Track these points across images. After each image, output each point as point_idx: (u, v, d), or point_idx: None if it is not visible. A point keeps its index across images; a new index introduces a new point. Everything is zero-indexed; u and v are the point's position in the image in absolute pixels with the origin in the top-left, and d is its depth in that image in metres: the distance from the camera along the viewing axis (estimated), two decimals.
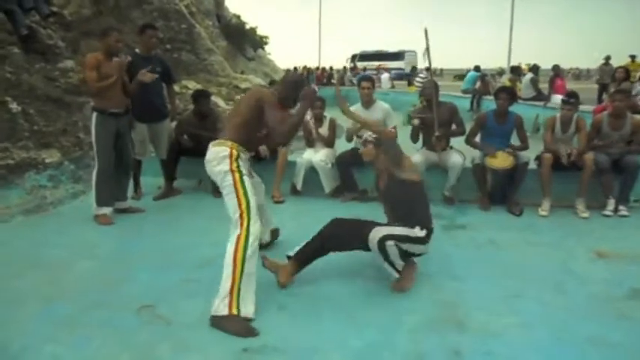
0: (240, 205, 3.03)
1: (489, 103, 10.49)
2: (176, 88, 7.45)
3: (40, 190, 5.34)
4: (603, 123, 5.25)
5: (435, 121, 5.09)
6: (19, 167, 5.37)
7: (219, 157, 3.16)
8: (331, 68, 27.19)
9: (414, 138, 5.45)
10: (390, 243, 3.12)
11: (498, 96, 5.25)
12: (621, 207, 5.02)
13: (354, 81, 21.78)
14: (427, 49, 5.12)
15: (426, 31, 5.03)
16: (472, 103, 14.27)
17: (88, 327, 2.84)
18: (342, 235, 3.34)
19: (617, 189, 5.07)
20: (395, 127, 5.37)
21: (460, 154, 5.27)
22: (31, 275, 3.53)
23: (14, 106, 5.96)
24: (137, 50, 5.36)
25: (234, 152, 3.16)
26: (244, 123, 3.30)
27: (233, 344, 2.68)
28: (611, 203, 5.02)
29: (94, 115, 4.59)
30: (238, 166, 3.14)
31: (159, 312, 3.02)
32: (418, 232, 3.27)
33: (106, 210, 4.70)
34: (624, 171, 5.03)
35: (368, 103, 5.45)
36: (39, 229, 4.56)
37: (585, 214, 4.94)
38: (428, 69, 6.00)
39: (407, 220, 3.31)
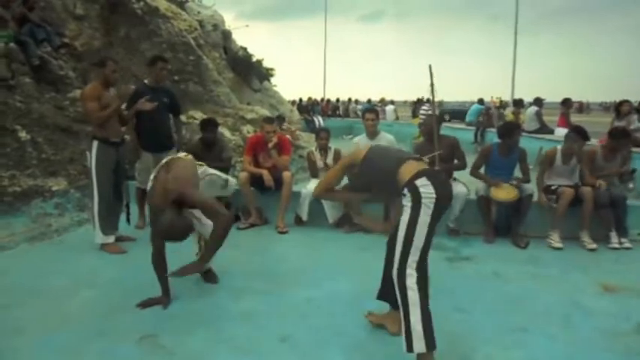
0: None
1: (493, 136, 10.54)
2: (183, 118, 7.55)
3: (45, 218, 5.36)
4: (597, 155, 5.36)
5: (436, 157, 5.13)
6: (25, 195, 5.41)
7: None
8: (337, 100, 27.45)
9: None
10: (409, 271, 2.67)
11: (514, 133, 5.27)
12: (623, 240, 5.00)
13: (359, 112, 22.01)
14: (432, 85, 5.21)
15: (430, 68, 5.11)
16: (476, 135, 14.36)
17: (90, 357, 2.82)
18: None
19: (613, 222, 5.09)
20: None
21: (463, 185, 5.28)
22: (33, 304, 3.52)
23: (23, 135, 6.04)
24: (146, 81, 5.45)
25: None
26: None
27: None
28: (613, 236, 5.00)
29: (95, 143, 4.59)
30: None
31: (160, 342, 2.99)
32: (405, 207, 2.67)
33: (112, 238, 4.70)
34: (615, 204, 5.06)
35: (372, 134, 5.50)
36: (43, 256, 4.56)
37: (593, 246, 4.91)
38: (427, 101, 6.07)
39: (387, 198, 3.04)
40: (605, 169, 5.30)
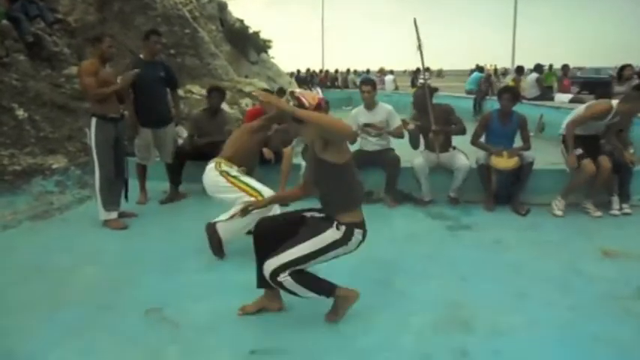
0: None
1: (493, 103, 10.47)
2: (180, 92, 7.49)
3: (46, 196, 5.37)
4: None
5: (430, 117, 5.09)
6: (25, 173, 5.41)
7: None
8: (336, 71, 27.18)
9: (414, 143, 5.40)
10: (282, 276, 2.69)
11: (501, 96, 5.25)
12: (624, 205, 5.02)
13: (358, 83, 21.83)
14: (419, 42, 5.07)
15: (415, 22, 4.90)
16: (475, 106, 14.01)
17: (96, 331, 2.86)
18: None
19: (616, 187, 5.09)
20: (400, 127, 5.36)
21: (465, 155, 5.27)
22: (38, 281, 3.56)
23: (20, 113, 6.01)
24: (141, 56, 5.40)
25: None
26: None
27: (241, 347, 2.69)
28: (615, 202, 5.01)
29: (94, 120, 4.57)
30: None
31: (166, 315, 3.03)
32: (330, 234, 2.73)
33: (114, 214, 4.73)
34: (620, 169, 5.04)
35: (370, 105, 5.45)
36: (46, 234, 4.59)
37: (598, 214, 4.92)
38: (426, 70, 5.95)
39: (325, 210, 2.90)
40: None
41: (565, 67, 13.39)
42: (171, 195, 5.65)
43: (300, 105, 2.83)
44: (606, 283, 3.42)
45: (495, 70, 17.86)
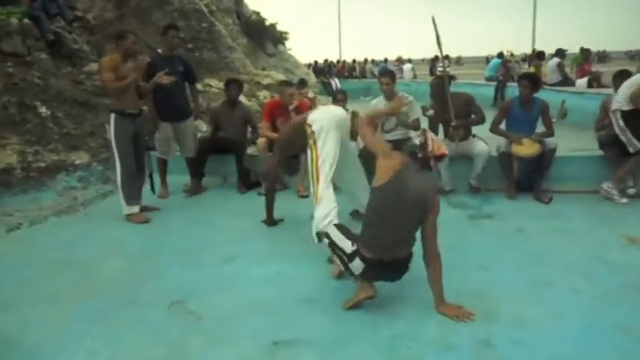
0: None
1: (514, 90, 10.32)
2: (198, 86, 7.53)
3: (70, 192, 5.47)
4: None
5: (451, 112, 5.04)
6: (50, 170, 5.51)
7: None
8: (354, 61, 27.01)
9: (433, 130, 5.38)
10: (325, 241, 3.14)
11: (521, 83, 5.16)
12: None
13: (376, 73, 21.66)
14: (437, 38, 5.06)
15: (433, 20, 4.94)
16: (496, 95, 13.57)
17: (122, 323, 2.92)
18: None
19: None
20: (417, 120, 5.34)
21: (484, 142, 5.21)
22: (65, 274, 3.63)
23: (43, 110, 6.12)
24: (159, 51, 5.43)
25: None
26: None
27: (264, 338, 2.71)
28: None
29: (113, 116, 4.64)
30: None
31: (189, 307, 3.07)
32: (349, 246, 2.93)
33: (137, 208, 4.79)
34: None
35: (390, 97, 5.41)
36: (71, 229, 4.67)
37: (624, 200, 4.83)
38: (445, 57, 5.91)
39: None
40: None
41: (586, 51, 13.07)
42: (194, 188, 5.70)
43: (424, 146, 2.93)
44: (632, 272, 3.36)
45: (512, 55, 17.47)
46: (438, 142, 3.02)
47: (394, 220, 2.83)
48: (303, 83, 9.79)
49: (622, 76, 5.21)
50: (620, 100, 4.90)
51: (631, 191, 4.94)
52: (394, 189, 2.83)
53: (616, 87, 5.25)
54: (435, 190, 2.96)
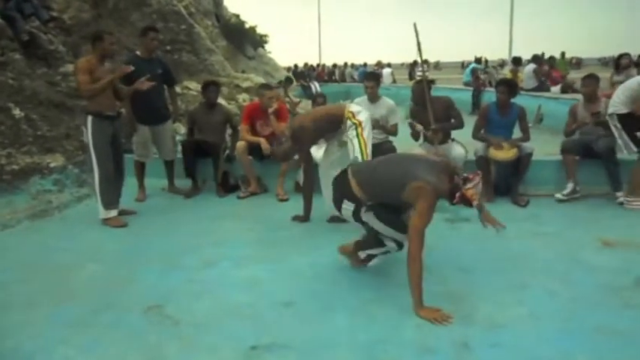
0: None
1: (490, 95, 10.43)
2: (177, 89, 7.47)
3: (45, 195, 5.36)
4: (579, 107, 5.28)
5: (429, 114, 5.09)
6: (23, 172, 5.39)
7: None
8: (334, 65, 27.07)
9: (415, 137, 5.46)
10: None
11: (498, 89, 5.26)
12: (618, 194, 4.99)
13: (355, 77, 21.75)
14: (418, 44, 5.13)
15: (415, 27, 5.01)
16: (474, 102, 13.41)
17: (98, 328, 2.86)
18: None
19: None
20: (395, 125, 5.38)
21: (462, 147, 5.26)
22: (40, 279, 3.55)
23: (17, 112, 5.99)
24: (138, 52, 5.38)
25: None
26: None
27: (242, 342, 2.69)
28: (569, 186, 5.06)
29: (90, 118, 4.53)
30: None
31: (166, 312, 3.03)
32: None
33: (114, 212, 4.71)
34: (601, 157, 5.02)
35: (373, 99, 5.44)
36: (45, 233, 4.58)
37: (637, 204, 4.81)
38: (424, 62, 5.98)
39: None
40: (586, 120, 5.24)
41: (551, 58, 13.26)
42: (190, 190, 5.66)
43: (466, 181, 3.00)
44: (606, 274, 3.42)
45: (486, 61, 17.59)
46: (478, 193, 3.03)
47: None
48: (289, 81, 9.74)
49: (590, 79, 5.31)
50: (615, 103, 4.98)
51: (560, 195, 5.06)
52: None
53: (584, 91, 5.36)
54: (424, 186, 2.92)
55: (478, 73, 14.61)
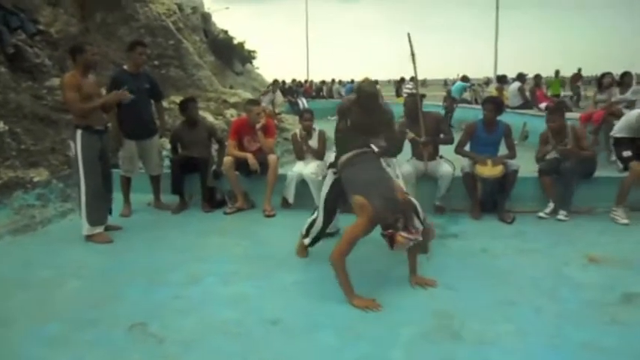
0: None
1: (478, 113, 10.54)
2: (165, 104, 7.44)
3: (28, 210, 5.28)
4: (549, 136, 5.29)
5: (421, 129, 5.12)
6: (6, 187, 5.31)
7: None
8: (323, 82, 27.23)
9: (419, 156, 5.43)
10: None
11: (485, 107, 5.32)
12: (561, 211, 5.07)
13: (343, 93, 21.87)
14: (412, 54, 5.14)
15: (409, 36, 5.04)
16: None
17: (79, 346, 2.80)
18: None
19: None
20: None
21: (450, 164, 5.29)
22: (21, 295, 3.48)
23: (1, 125, 5.91)
24: (125, 67, 5.35)
25: None
26: None
27: None
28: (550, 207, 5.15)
29: (79, 132, 4.48)
30: None
31: (150, 330, 2.98)
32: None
33: (100, 228, 4.64)
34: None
35: None
36: (27, 248, 4.50)
37: (625, 221, 4.89)
38: (411, 79, 6.03)
39: None
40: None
41: (537, 76, 13.39)
42: (178, 206, 5.62)
43: (405, 229, 3.21)
44: (593, 290, 3.44)
45: (464, 78, 17.56)
46: (404, 246, 3.22)
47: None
48: (276, 83, 9.65)
49: (556, 114, 5.32)
50: (615, 129, 5.66)
51: (542, 214, 5.14)
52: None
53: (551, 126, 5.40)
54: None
55: (449, 94, 14.61)
